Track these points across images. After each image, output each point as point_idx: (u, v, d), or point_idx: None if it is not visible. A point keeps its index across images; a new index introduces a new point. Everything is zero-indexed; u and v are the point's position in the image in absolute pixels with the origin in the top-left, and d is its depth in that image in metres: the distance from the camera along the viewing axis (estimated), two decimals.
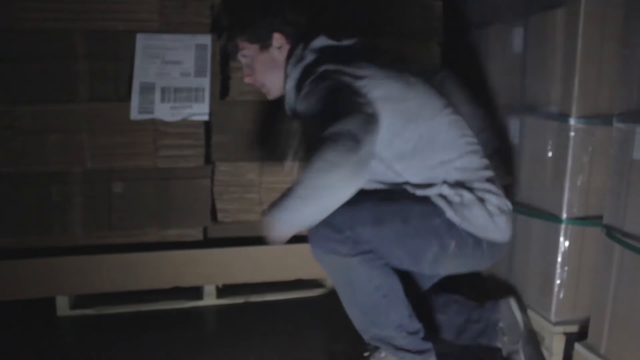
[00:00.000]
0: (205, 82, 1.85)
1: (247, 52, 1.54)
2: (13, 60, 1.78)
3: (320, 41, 1.51)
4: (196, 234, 1.96)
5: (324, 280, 2.10)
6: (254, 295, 2.04)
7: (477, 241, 1.38)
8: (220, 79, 1.90)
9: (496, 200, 1.41)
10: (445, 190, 1.37)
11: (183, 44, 1.83)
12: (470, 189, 1.38)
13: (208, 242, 1.96)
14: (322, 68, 1.40)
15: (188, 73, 1.84)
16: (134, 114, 1.83)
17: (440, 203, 1.36)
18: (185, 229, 1.94)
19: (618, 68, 1.46)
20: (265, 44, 1.53)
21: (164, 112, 1.84)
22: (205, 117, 1.87)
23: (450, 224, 1.35)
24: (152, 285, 1.93)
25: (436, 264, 1.41)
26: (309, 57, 1.49)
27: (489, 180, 1.43)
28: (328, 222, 1.30)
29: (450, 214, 1.35)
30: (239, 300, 2.03)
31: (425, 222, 1.35)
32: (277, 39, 1.52)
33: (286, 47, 1.53)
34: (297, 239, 1.98)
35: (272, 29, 1.51)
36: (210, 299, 2.00)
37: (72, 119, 1.82)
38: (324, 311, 1.98)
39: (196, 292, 2.00)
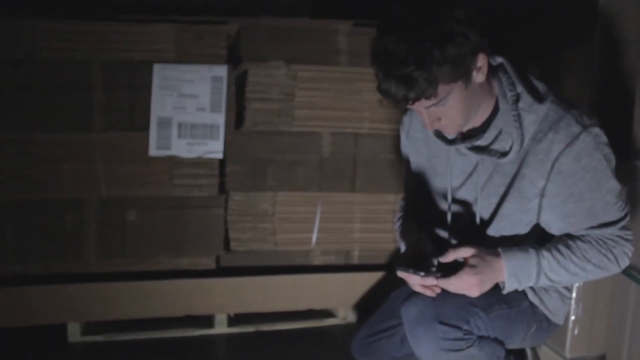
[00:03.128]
0: (220, 119, 1.87)
1: (442, 97, 1.11)
2: (32, 89, 1.81)
3: (510, 64, 1.24)
4: (209, 263, 1.96)
5: (335, 311, 2.10)
6: (265, 324, 2.04)
7: (549, 324, 1.35)
8: (235, 109, 1.91)
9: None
10: None
11: (199, 75, 1.85)
12: None
13: (221, 271, 1.96)
14: (590, 126, 1.16)
15: (204, 108, 1.86)
16: (153, 150, 1.85)
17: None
18: (198, 257, 1.95)
19: None
20: (468, 75, 1.12)
21: (181, 148, 1.86)
22: (220, 156, 1.89)
23: (533, 307, 1.32)
24: (164, 313, 1.93)
25: (512, 342, 1.35)
26: (530, 94, 1.20)
27: None
28: (440, 321, 1.17)
29: (531, 296, 1.31)
30: (250, 329, 2.02)
31: (519, 304, 1.30)
32: (482, 59, 1.13)
33: (485, 65, 1.14)
34: (308, 269, 2.02)
35: (476, 48, 1.10)
36: (221, 328, 2.00)
37: (87, 147, 1.84)
38: (334, 341, 1.97)
39: (207, 320, 2.00)
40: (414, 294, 1.23)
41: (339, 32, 1.95)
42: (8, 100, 1.79)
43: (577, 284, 1.57)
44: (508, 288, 1.19)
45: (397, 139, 1.94)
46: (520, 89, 1.20)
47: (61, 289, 1.84)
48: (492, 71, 1.21)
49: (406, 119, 1.44)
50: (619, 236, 1.20)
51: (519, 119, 1.18)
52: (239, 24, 1.92)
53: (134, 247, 1.89)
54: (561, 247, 1.19)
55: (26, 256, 1.85)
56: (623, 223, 1.20)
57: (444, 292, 1.19)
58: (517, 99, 1.19)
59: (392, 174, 1.97)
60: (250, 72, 1.88)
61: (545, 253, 1.18)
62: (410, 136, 1.42)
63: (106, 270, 1.90)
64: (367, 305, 1.98)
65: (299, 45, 1.92)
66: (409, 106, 1.14)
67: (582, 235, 1.20)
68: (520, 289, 1.21)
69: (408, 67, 1.06)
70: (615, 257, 1.20)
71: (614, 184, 1.18)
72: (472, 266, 1.15)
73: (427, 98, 1.09)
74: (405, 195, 1.56)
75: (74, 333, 1.92)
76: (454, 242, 1.34)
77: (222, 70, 1.87)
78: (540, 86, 1.21)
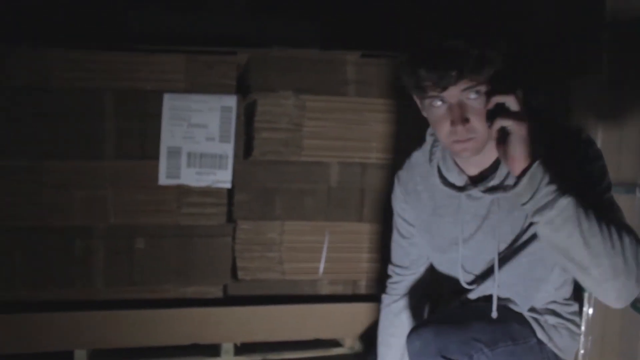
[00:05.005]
0: (229, 148, 1.89)
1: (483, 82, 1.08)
2: (44, 116, 1.83)
3: None
4: (216, 292, 1.96)
5: (342, 340, 2.09)
6: (271, 353, 2.02)
7: None
8: (244, 139, 1.93)
9: (578, 320, 1.35)
10: (538, 312, 1.31)
11: (208, 105, 1.87)
12: (559, 314, 1.32)
13: (228, 300, 1.96)
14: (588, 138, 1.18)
15: (213, 138, 1.88)
16: (162, 179, 1.87)
17: (532, 322, 1.29)
18: (206, 286, 1.95)
19: None
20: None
21: (190, 177, 1.87)
22: (228, 185, 1.90)
23: (541, 344, 1.28)
24: (170, 342, 1.92)
25: None
26: None
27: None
28: (443, 355, 1.14)
29: (540, 334, 1.28)
30: (256, 357, 2.01)
31: (526, 341, 1.26)
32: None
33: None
34: (315, 299, 2.01)
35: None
36: (227, 356, 1.99)
37: (97, 175, 1.86)
38: None
39: (214, 348, 1.99)
40: (418, 326, 1.22)
41: (347, 63, 1.97)
42: (21, 127, 1.82)
43: (585, 316, 1.56)
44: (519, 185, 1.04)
45: None
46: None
47: (69, 316, 1.84)
48: None
49: (403, 173, 1.41)
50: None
51: None
52: (248, 55, 1.94)
53: (141, 275, 1.89)
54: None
55: (34, 282, 1.86)
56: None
57: (449, 322, 1.17)
58: None
59: None
60: (259, 102, 1.90)
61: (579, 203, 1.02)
62: (411, 190, 1.37)
63: (114, 298, 1.91)
64: (374, 335, 1.96)
65: (307, 75, 1.94)
66: (441, 93, 1.07)
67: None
68: (526, 198, 1.04)
69: (459, 39, 1.04)
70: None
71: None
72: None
73: (471, 78, 1.05)
74: (393, 258, 1.48)
75: None
76: (469, 287, 1.32)
77: (231, 101, 1.89)
78: (544, 113, 1.20)
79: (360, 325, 1.99)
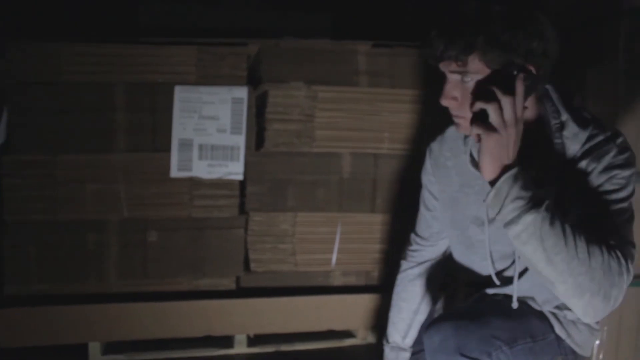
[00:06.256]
0: (240, 140, 1.88)
1: (469, 71, 1.10)
2: (56, 110, 1.83)
3: (556, 91, 1.22)
4: (229, 284, 1.96)
5: (355, 331, 2.09)
6: (284, 345, 2.03)
7: (575, 356, 1.30)
8: (256, 130, 1.92)
9: None
10: (557, 306, 1.29)
11: (219, 97, 1.87)
12: None
13: (241, 292, 1.97)
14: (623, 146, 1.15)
15: (224, 129, 1.87)
16: (174, 172, 1.86)
17: (551, 318, 1.27)
18: (219, 278, 1.95)
19: None
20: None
21: (202, 169, 1.87)
22: (240, 177, 1.90)
23: (559, 340, 1.26)
24: (184, 334, 1.93)
25: None
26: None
27: None
28: (462, 353, 1.13)
29: (559, 329, 1.27)
30: (269, 349, 2.02)
31: (544, 337, 1.24)
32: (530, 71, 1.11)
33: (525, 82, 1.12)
34: (328, 290, 2.01)
35: (531, 57, 1.09)
36: (240, 348, 2.00)
37: (109, 169, 1.86)
38: None
39: (227, 340, 1.99)
40: (437, 320, 1.21)
41: (358, 53, 1.95)
42: (33, 122, 1.82)
43: None
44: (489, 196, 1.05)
45: (417, 160, 1.94)
46: (565, 117, 1.17)
47: (82, 309, 1.85)
48: (538, 98, 1.18)
49: (435, 145, 1.41)
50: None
51: (562, 147, 1.15)
52: (258, 46, 1.93)
53: (154, 267, 1.90)
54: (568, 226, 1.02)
55: (48, 276, 1.87)
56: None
57: (468, 318, 1.16)
58: (562, 127, 1.17)
59: (412, 194, 1.96)
60: (271, 93, 1.89)
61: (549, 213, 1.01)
62: (441, 164, 1.39)
63: (127, 291, 1.91)
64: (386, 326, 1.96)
65: (318, 66, 1.93)
66: (440, 65, 1.12)
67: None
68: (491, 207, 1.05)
69: (456, 21, 1.08)
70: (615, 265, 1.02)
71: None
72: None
73: (457, 63, 1.08)
74: (416, 227, 1.52)
75: (95, 353, 1.92)
76: (492, 270, 1.30)
77: (242, 92, 1.88)
78: (585, 114, 1.19)
79: (373, 316, 1.99)
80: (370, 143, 1.95)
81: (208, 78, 1.89)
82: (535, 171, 1.14)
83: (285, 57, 1.91)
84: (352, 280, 2.02)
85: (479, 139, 1.05)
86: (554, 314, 1.27)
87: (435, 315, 1.44)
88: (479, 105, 1.03)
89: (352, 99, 1.93)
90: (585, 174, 1.12)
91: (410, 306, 1.48)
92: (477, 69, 1.08)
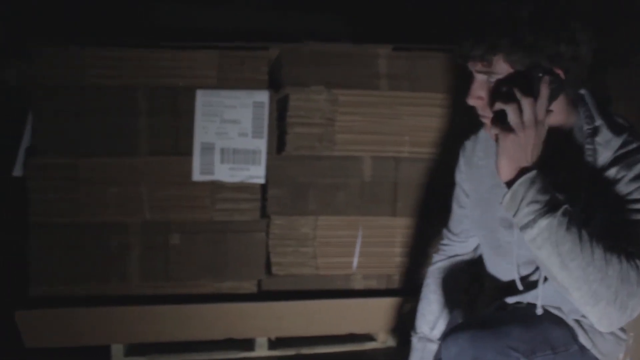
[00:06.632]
0: (261, 144, 1.89)
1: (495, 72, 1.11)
2: (79, 114, 1.85)
3: (592, 97, 1.22)
4: (250, 287, 1.97)
5: (376, 335, 2.08)
6: (305, 348, 2.03)
7: None
8: (277, 134, 1.92)
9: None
10: (583, 314, 1.24)
11: (241, 101, 1.87)
12: None
13: (262, 295, 1.97)
14: None
15: (245, 133, 1.88)
16: (196, 175, 1.87)
17: (575, 327, 1.25)
18: (240, 281, 1.96)
19: None
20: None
21: (224, 173, 1.88)
22: (262, 180, 1.90)
23: (583, 350, 1.24)
24: (205, 336, 1.94)
25: None
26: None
27: None
28: None
29: (583, 337, 1.24)
30: (290, 352, 2.02)
31: (567, 348, 1.22)
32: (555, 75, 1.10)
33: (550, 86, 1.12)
34: (349, 294, 2.01)
35: (559, 61, 1.08)
36: (261, 351, 2.00)
37: (132, 172, 1.87)
38: None
39: (248, 343, 2.00)
40: (454, 330, 1.20)
41: (379, 56, 1.95)
42: (56, 125, 1.84)
43: None
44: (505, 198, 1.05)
45: (438, 163, 1.94)
46: (599, 122, 1.15)
47: (105, 311, 1.87)
48: (573, 103, 1.17)
49: (469, 144, 1.41)
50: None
51: (594, 154, 1.13)
52: (279, 49, 1.94)
53: (176, 270, 1.91)
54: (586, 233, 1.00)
55: (72, 277, 1.89)
56: None
57: (486, 328, 1.15)
58: (595, 132, 1.15)
59: (432, 198, 1.96)
60: (291, 97, 1.89)
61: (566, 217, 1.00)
62: (474, 164, 1.38)
63: (149, 293, 1.93)
64: (407, 330, 1.96)
65: (339, 69, 1.92)
66: (467, 64, 1.13)
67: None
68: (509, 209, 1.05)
69: (483, 22, 1.08)
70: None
71: None
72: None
73: (483, 64, 1.09)
74: (448, 223, 1.53)
75: (118, 354, 1.94)
76: (517, 275, 1.29)
77: (263, 96, 1.89)
78: (620, 120, 1.17)
79: (394, 320, 1.99)
80: (391, 146, 1.95)
81: (229, 82, 1.89)
82: (564, 176, 1.14)
83: (306, 61, 1.92)
84: (373, 284, 2.02)
85: (496, 138, 1.05)
86: (578, 322, 1.25)
87: (456, 320, 1.45)
88: (498, 106, 1.04)
89: (372, 102, 1.93)
90: (615, 181, 1.10)
91: (439, 298, 1.49)
92: (502, 70, 1.08)
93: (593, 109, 1.17)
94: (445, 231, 1.54)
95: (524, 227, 1.01)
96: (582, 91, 1.19)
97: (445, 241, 1.54)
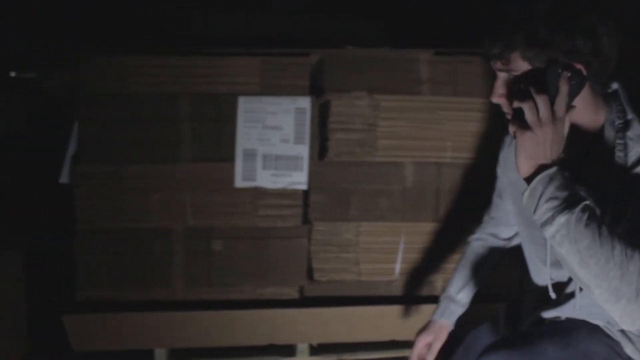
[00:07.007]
0: (304, 150, 1.89)
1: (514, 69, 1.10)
2: (122, 121, 1.88)
3: (625, 90, 1.20)
4: (292, 293, 1.97)
5: None
6: (346, 354, 2.03)
7: None
8: (318, 140, 1.92)
9: None
10: None
11: (283, 107, 1.88)
12: None
13: (304, 301, 1.97)
14: None
15: (287, 140, 1.89)
16: (238, 182, 1.89)
17: (621, 338, 1.20)
18: (282, 287, 1.96)
19: None
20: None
21: (266, 179, 1.89)
22: (304, 187, 1.91)
23: None
24: (247, 342, 1.95)
25: None
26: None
27: None
28: None
29: (630, 349, 1.19)
30: (331, 358, 2.01)
31: None
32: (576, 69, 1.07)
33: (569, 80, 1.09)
34: (391, 300, 2.00)
35: (578, 55, 1.05)
36: (303, 356, 2.00)
37: (174, 178, 1.89)
38: None
39: (289, 349, 2.01)
40: (489, 349, 1.17)
41: (420, 61, 1.94)
42: (100, 133, 1.87)
43: None
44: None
45: (480, 168, 1.92)
46: (630, 116, 1.12)
47: (149, 316, 1.90)
48: (604, 98, 1.15)
49: (508, 139, 1.40)
50: None
51: (624, 148, 1.10)
52: (320, 55, 1.94)
53: (219, 276, 1.92)
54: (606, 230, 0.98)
55: (117, 282, 1.91)
56: None
57: (520, 347, 1.13)
58: (626, 127, 1.11)
59: (475, 204, 1.94)
60: (333, 102, 1.89)
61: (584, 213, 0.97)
62: (510, 159, 1.35)
63: (192, 298, 1.94)
64: (448, 337, 1.94)
65: (380, 75, 1.92)
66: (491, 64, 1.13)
67: None
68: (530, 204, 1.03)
69: (499, 20, 1.08)
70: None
71: None
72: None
73: (502, 62, 1.09)
74: (491, 210, 1.54)
75: (161, 358, 1.96)
76: (547, 273, 1.28)
77: (305, 102, 1.89)
78: None
79: None
80: (433, 152, 1.94)
81: (271, 88, 1.90)
82: (595, 172, 1.11)
83: (348, 67, 1.92)
84: (415, 291, 2.01)
85: (515, 136, 1.04)
86: (624, 333, 1.20)
87: (496, 330, 1.43)
88: (516, 104, 1.03)
89: (414, 107, 1.92)
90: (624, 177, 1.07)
91: (470, 266, 1.53)
92: (521, 67, 1.07)
93: (626, 103, 1.14)
94: (485, 215, 1.58)
95: (544, 224, 1.00)
96: (615, 86, 1.16)
97: (482, 224, 1.58)
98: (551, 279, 1.27)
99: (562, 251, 0.99)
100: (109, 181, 1.88)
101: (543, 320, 1.29)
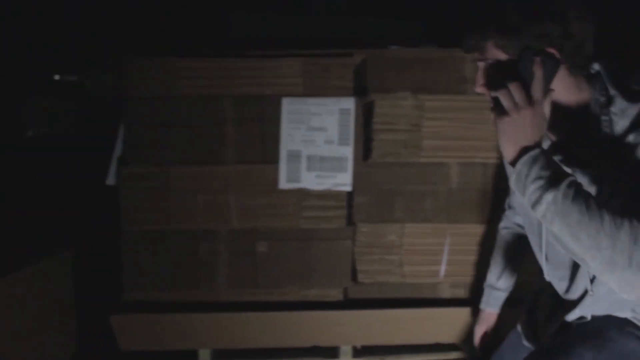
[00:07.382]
0: (348, 151, 1.89)
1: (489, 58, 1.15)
2: (168, 124, 1.90)
3: (607, 70, 1.21)
4: (336, 295, 1.96)
5: (461, 344, 2.04)
6: (389, 356, 2.02)
7: None
8: (362, 140, 1.91)
9: None
10: None
11: (327, 108, 1.87)
12: None
13: (348, 303, 1.96)
14: None
15: (332, 141, 1.88)
16: (283, 183, 1.89)
17: None
18: (326, 289, 1.96)
19: None
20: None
21: (310, 181, 1.89)
22: (349, 188, 1.90)
23: None
24: (291, 344, 1.95)
25: None
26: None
27: None
28: None
29: None
30: None
31: None
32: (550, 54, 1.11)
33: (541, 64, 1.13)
34: (436, 302, 1.97)
35: (551, 40, 1.08)
36: (346, 358, 2.00)
37: (219, 180, 1.91)
38: None
39: (332, 350, 2.00)
40: None
41: (465, 60, 1.91)
42: (146, 135, 1.90)
43: None
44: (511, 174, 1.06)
45: None
46: (613, 92, 1.12)
47: (194, 317, 1.91)
48: (588, 79, 1.15)
49: None
50: None
51: (610, 124, 1.10)
52: (363, 56, 1.93)
53: (264, 277, 1.93)
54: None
55: (162, 284, 1.94)
56: None
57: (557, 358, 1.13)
58: (609, 103, 1.12)
59: None
60: (377, 103, 1.88)
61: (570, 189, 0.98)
62: None
63: (236, 300, 1.95)
64: (492, 341, 1.91)
65: (424, 75, 1.90)
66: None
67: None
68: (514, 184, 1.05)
69: (472, 12, 1.13)
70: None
71: None
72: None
73: (477, 51, 1.13)
74: (510, 200, 1.59)
75: (205, 359, 1.98)
76: (543, 259, 1.31)
77: (349, 103, 1.88)
78: (638, 89, 1.13)
79: None
80: (478, 152, 1.91)
81: (314, 89, 1.90)
82: (585, 151, 1.13)
83: (391, 67, 1.90)
84: (460, 293, 1.98)
85: (495, 124, 1.07)
86: None
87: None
88: (492, 93, 1.07)
89: (459, 107, 1.90)
90: (632, 147, 1.06)
91: (504, 253, 1.61)
92: (496, 56, 1.10)
93: (607, 80, 1.14)
94: (505, 205, 1.64)
95: (534, 205, 1.01)
96: (596, 67, 1.16)
97: (506, 212, 1.63)
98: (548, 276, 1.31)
99: (555, 229, 1.00)
100: (154, 183, 1.90)
101: (568, 324, 1.28)
